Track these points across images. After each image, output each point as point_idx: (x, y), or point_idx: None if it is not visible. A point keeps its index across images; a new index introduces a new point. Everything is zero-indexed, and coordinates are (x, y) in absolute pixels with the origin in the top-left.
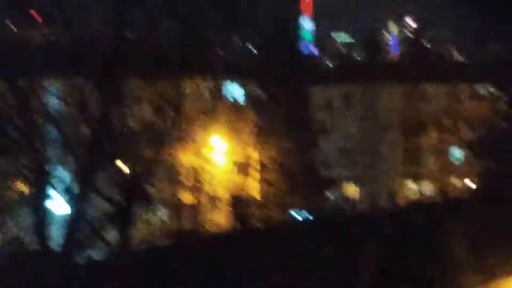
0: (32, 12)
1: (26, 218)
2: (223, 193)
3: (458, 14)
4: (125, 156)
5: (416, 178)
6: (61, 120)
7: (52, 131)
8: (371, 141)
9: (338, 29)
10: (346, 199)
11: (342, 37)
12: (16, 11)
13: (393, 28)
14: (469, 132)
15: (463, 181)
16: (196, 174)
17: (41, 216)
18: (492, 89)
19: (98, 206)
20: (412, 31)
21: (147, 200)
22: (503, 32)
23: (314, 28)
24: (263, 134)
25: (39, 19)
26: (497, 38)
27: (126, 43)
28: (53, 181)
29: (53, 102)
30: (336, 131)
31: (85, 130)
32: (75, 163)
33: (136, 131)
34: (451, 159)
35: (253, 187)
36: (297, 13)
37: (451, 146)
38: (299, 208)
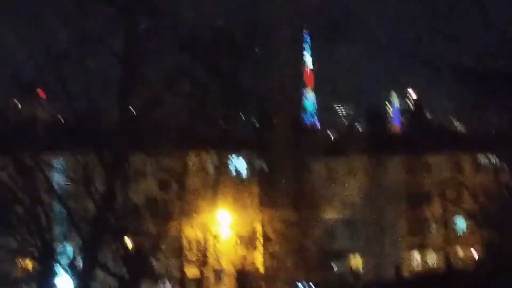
0: (38, 90)
1: None
2: (228, 267)
3: (458, 86)
4: (129, 230)
5: (421, 248)
6: (65, 195)
7: (57, 207)
8: (375, 213)
9: (341, 101)
10: (351, 270)
11: (344, 109)
12: (22, 89)
13: (395, 99)
14: (472, 202)
15: (467, 251)
16: (200, 247)
17: None
18: (494, 159)
19: (103, 281)
20: (414, 102)
21: (152, 275)
22: (503, 103)
23: (316, 100)
24: (266, 207)
25: (44, 96)
26: (497, 109)
27: (130, 118)
28: (59, 257)
29: (57, 178)
30: (340, 202)
31: (89, 205)
32: (80, 238)
33: (140, 206)
34: (455, 229)
35: (258, 260)
36: (300, 86)
37: (454, 216)
38: (304, 280)
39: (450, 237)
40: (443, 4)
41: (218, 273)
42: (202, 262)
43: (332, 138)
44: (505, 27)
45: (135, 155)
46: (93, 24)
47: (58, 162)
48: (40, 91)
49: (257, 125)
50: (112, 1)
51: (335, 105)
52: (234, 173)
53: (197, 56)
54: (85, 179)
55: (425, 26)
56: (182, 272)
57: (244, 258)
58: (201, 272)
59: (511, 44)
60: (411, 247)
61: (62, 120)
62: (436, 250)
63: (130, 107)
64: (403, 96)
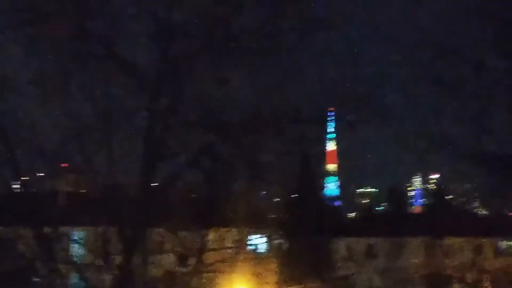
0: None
1: None
2: None
3: (479, 170)
4: None
5: None
6: (83, 267)
7: (75, 279)
8: None
9: (363, 181)
10: None
11: (366, 190)
12: (43, 160)
13: (417, 181)
14: (492, 287)
15: None
16: None
17: None
18: None
19: None
20: (435, 184)
21: None
22: None
23: (339, 180)
24: (285, 286)
25: (66, 169)
26: None
27: (151, 193)
28: None
29: (76, 250)
30: (359, 283)
31: (107, 278)
32: None
33: (158, 279)
34: None
35: None
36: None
37: None
38: None
39: None
40: (467, 92)
41: None
42: None
43: (353, 217)
44: None
45: (154, 229)
46: (119, 99)
47: (78, 233)
48: (62, 163)
49: (279, 203)
50: (138, 76)
51: (358, 186)
52: (253, 250)
53: (220, 133)
54: (104, 251)
55: (450, 112)
56: None
57: None
58: None
59: None
60: None
61: (84, 192)
62: None
63: (151, 182)
64: (425, 178)
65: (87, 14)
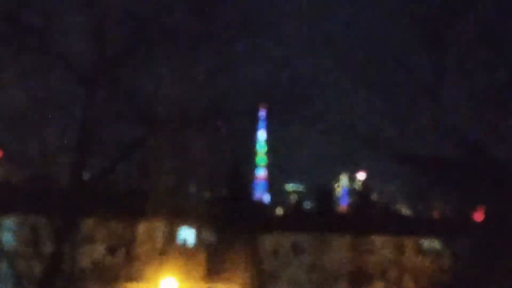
0: None
1: None
2: None
3: (405, 170)
4: None
5: None
6: (13, 255)
7: (4, 267)
8: None
9: (290, 178)
10: None
11: (293, 187)
12: None
13: (344, 180)
14: (413, 285)
15: None
16: None
17: None
18: (436, 244)
19: None
20: (361, 184)
21: None
22: (446, 190)
23: (267, 177)
24: (213, 278)
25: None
26: (441, 195)
27: (82, 183)
28: None
29: (6, 238)
30: (284, 279)
31: (37, 266)
32: None
33: (87, 270)
34: None
35: None
36: (252, 161)
37: None
38: None
39: None
40: (398, 95)
41: None
42: None
43: (280, 214)
44: (454, 118)
45: (85, 219)
46: (53, 90)
47: (8, 222)
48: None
49: (209, 197)
50: (74, 69)
51: (286, 183)
52: (182, 243)
53: (153, 127)
54: (33, 241)
55: (379, 113)
56: None
57: None
58: None
59: (458, 135)
60: None
61: (14, 181)
62: None
63: (83, 172)
64: (352, 177)
65: (19, 4)
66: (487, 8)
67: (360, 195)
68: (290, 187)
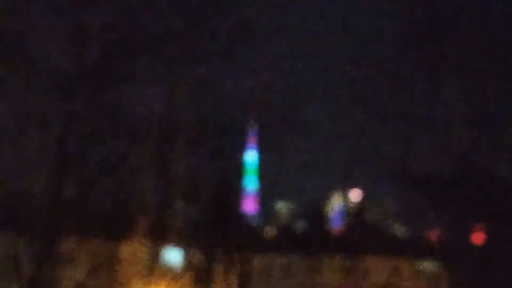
0: None
1: None
2: None
3: (401, 189)
4: None
5: None
6: None
7: None
8: None
9: (281, 198)
10: None
11: (284, 206)
12: None
13: (337, 199)
14: None
15: None
16: None
17: None
18: (433, 266)
19: None
20: (356, 203)
21: None
22: (444, 209)
23: (258, 196)
24: None
25: None
26: (439, 218)
27: (62, 202)
28: None
29: None
30: None
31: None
32: None
33: None
34: None
35: None
36: (242, 179)
37: None
38: None
39: None
40: (393, 110)
41: None
42: None
43: (271, 234)
44: (450, 135)
45: (65, 240)
46: (32, 104)
47: None
48: None
49: (196, 216)
50: (54, 83)
51: (276, 201)
52: (167, 264)
53: (135, 142)
54: (12, 262)
55: (373, 129)
56: None
57: None
58: None
59: (457, 152)
60: None
61: None
62: None
63: (63, 191)
64: (346, 196)
65: None
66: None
67: (354, 215)
68: (280, 205)
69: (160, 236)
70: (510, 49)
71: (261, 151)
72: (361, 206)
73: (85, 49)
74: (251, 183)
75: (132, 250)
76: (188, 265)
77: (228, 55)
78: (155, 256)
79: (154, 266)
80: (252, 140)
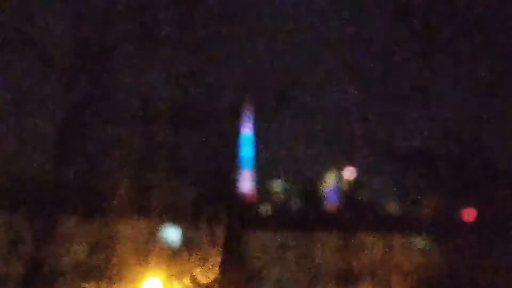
0: None
1: None
2: None
3: (394, 167)
4: None
5: None
6: None
7: None
8: None
9: (277, 177)
10: None
11: (280, 185)
12: None
13: (332, 178)
14: (402, 283)
15: None
16: None
17: None
18: (426, 242)
19: None
20: (350, 182)
21: None
22: (436, 187)
23: (254, 174)
24: (197, 277)
25: None
26: (431, 192)
27: (64, 181)
28: None
29: None
30: (271, 278)
31: (17, 267)
32: None
33: (68, 270)
34: None
35: None
36: (237, 158)
37: None
38: None
39: None
40: (389, 89)
41: None
42: None
43: (267, 212)
44: (446, 115)
45: (65, 218)
46: (32, 86)
47: None
48: None
49: (196, 195)
50: (54, 65)
51: (272, 181)
52: (166, 243)
53: (135, 126)
54: (13, 241)
55: (369, 107)
56: None
57: None
58: None
59: (450, 131)
60: None
61: None
62: None
63: (65, 170)
64: (340, 174)
65: None
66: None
67: (348, 193)
68: (276, 184)
69: (159, 214)
70: (505, 25)
71: (257, 131)
72: (355, 185)
73: (86, 32)
74: (247, 163)
75: (131, 229)
76: (186, 243)
77: (224, 37)
78: (154, 235)
79: (153, 245)
80: (248, 120)
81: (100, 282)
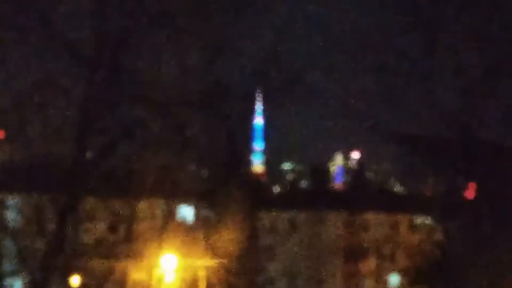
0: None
1: None
2: None
3: (400, 150)
4: (77, 270)
5: None
6: (17, 233)
7: (8, 244)
8: (314, 266)
9: (287, 157)
10: None
11: (289, 166)
12: None
13: (339, 159)
14: (405, 260)
15: None
16: None
17: None
18: (428, 221)
19: None
20: (356, 163)
21: None
22: (438, 168)
23: (265, 156)
24: (211, 254)
25: (2, 136)
26: (433, 173)
27: (84, 162)
28: None
29: (10, 216)
30: (281, 255)
31: (40, 244)
32: (28, 276)
33: (89, 248)
34: (389, 285)
35: None
36: (249, 141)
37: (389, 273)
38: None
39: None
40: (391, 77)
41: None
42: None
43: (277, 192)
44: (444, 99)
45: (86, 198)
46: (55, 71)
47: (11, 201)
48: (1, 132)
49: (207, 176)
50: (76, 51)
51: (282, 162)
52: (181, 221)
53: (152, 108)
54: (36, 219)
55: (373, 94)
56: None
57: None
58: None
59: (449, 115)
60: None
61: (18, 160)
62: None
63: (85, 152)
64: (347, 156)
65: None
66: None
67: (354, 174)
68: (286, 166)
69: (174, 194)
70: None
71: (267, 115)
72: (362, 166)
73: (106, 18)
74: (258, 145)
75: (148, 207)
76: (200, 220)
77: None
78: (169, 213)
79: (168, 222)
80: (259, 105)
81: (118, 259)
